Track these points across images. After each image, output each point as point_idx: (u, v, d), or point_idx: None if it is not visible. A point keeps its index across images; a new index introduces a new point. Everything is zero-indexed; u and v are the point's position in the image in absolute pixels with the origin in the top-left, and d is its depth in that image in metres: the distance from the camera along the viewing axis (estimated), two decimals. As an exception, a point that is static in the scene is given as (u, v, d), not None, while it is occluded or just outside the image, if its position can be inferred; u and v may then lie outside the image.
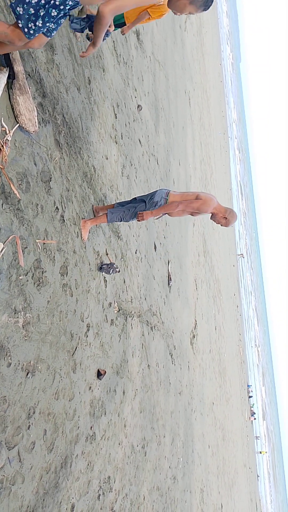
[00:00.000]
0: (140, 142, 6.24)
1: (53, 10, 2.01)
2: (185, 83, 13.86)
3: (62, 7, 2.01)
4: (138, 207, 3.70)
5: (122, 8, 2.05)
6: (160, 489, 5.45)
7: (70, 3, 2.03)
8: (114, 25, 3.88)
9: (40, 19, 2.01)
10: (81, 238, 3.46)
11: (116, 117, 4.99)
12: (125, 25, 4.04)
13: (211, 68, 30.58)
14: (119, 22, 4.01)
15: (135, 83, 6.26)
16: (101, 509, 3.42)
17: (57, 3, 1.99)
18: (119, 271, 4.16)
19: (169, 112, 9.78)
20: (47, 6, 1.99)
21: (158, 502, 5.30)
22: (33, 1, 1.98)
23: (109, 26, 3.64)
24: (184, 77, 13.52)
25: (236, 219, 3.73)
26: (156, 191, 3.75)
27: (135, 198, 3.87)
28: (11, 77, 2.48)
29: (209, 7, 2.20)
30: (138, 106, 6.31)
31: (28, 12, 1.99)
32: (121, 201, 4.20)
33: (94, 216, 3.78)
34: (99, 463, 3.48)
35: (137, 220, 3.62)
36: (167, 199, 3.66)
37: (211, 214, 3.68)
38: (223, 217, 3.65)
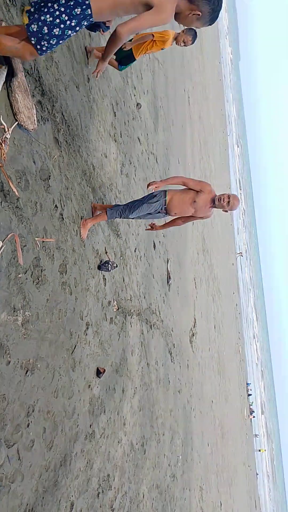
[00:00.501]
0: (139, 140, 6.24)
1: (68, 31, 2.03)
2: (184, 81, 13.85)
3: (77, 28, 2.05)
4: (137, 202, 3.74)
5: (138, 29, 2.12)
6: (159, 487, 5.46)
7: (85, 23, 2.06)
8: (122, 59, 4.21)
9: (55, 38, 2.02)
10: (80, 236, 3.46)
11: (115, 115, 4.98)
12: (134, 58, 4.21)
13: (210, 66, 30.54)
14: (125, 55, 4.18)
15: (134, 81, 6.25)
16: (100, 507, 3.43)
17: (73, 24, 2.02)
18: (116, 266, 4.16)
19: (168, 110, 9.76)
20: (62, 26, 2.00)
21: (157, 500, 5.31)
22: (47, 20, 1.98)
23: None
24: (183, 75, 13.50)
25: (239, 201, 3.68)
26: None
27: None
28: (10, 74, 2.47)
29: (214, 22, 2.24)
30: (137, 104, 6.30)
31: (42, 31, 1.99)
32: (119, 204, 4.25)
33: (93, 214, 3.78)
34: (99, 461, 3.48)
35: (148, 187, 3.65)
36: (166, 192, 3.70)
37: (214, 200, 3.64)
38: (225, 200, 3.59)
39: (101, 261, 3.96)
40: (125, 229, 5.05)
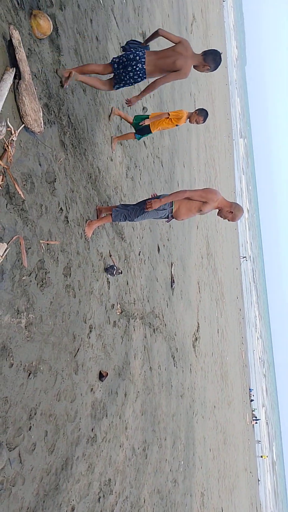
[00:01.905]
0: (144, 144, 6.24)
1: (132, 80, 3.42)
2: (190, 85, 13.86)
3: (139, 79, 3.42)
4: (142, 205, 3.72)
5: (167, 82, 3.50)
6: (160, 492, 5.43)
7: (141, 75, 3.40)
8: (138, 129, 4.62)
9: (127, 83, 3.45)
10: (85, 235, 3.46)
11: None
12: (150, 131, 4.64)
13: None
14: (142, 127, 4.60)
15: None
16: (101, 511, 3.41)
17: (138, 79, 3.40)
18: (121, 273, 4.16)
19: (174, 114, 9.74)
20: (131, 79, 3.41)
21: (159, 505, 5.27)
22: (125, 77, 3.42)
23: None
24: (189, 79, 13.51)
25: (242, 212, 3.74)
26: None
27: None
28: (17, 77, 2.48)
29: (217, 69, 3.51)
30: (143, 108, 6.31)
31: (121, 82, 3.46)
32: (125, 203, 4.21)
33: (98, 217, 3.78)
34: (100, 465, 3.47)
35: (145, 209, 3.60)
36: (172, 201, 3.69)
37: (218, 210, 3.70)
38: (229, 212, 3.66)
39: (107, 265, 3.96)
40: (130, 233, 5.05)
